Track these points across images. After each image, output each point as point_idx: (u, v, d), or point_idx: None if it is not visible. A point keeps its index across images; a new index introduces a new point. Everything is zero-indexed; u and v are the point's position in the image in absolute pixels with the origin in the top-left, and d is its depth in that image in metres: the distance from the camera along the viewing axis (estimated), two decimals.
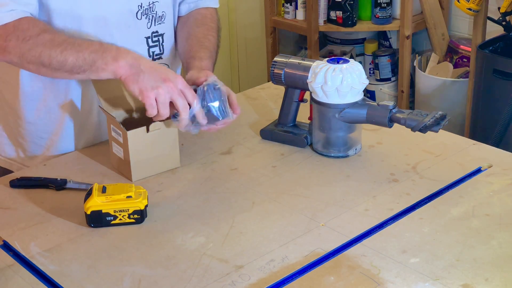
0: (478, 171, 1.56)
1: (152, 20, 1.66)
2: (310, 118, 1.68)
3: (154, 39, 1.68)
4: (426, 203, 1.45)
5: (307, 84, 1.59)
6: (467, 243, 1.31)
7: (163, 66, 1.52)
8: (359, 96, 1.57)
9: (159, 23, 1.68)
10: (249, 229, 1.38)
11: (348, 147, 1.63)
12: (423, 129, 1.49)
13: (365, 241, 1.33)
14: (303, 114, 1.72)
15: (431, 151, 1.64)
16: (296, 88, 1.66)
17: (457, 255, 1.28)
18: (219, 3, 1.83)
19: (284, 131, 1.70)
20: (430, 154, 1.63)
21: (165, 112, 1.45)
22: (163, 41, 1.70)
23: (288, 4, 3.60)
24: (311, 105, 1.65)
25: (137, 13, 1.62)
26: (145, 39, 1.67)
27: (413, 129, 1.51)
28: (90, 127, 1.71)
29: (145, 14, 1.64)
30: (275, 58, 1.68)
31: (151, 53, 1.69)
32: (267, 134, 1.72)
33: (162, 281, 1.24)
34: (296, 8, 3.58)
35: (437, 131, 1.50)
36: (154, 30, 1.67)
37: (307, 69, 1.60)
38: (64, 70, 1.47)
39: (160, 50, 1.70)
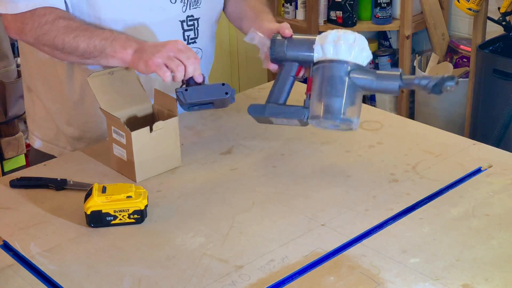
0: (478, 171, 1.56)
1: (187, 4, 1.70)
2: (308, 90, 1.55)
3: (189, 23, 1.72)
4: (426, 203, 1.45)
5: (310, 55, 1.52)
6: (467, 243, 1.31)
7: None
8: (366, 62, 1.52)
9: (194, 7, 1.72)
10: (249, 229, 1.38)
11: (350, 117, 1.50)
12: (438, 85, 1.44)
13: (365, 241, 1.33)
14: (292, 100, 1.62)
15: (431, 151, 1.64)
16: (296, 61, 1.56)
17: (457, 255, 1.28)
18: None
19: (279, 105, 1.56)
20: (430, 154, 1.63)
21: (179, 69, 1.49)
22: (198, 25, 1.74)
23: (288, 4, 3.60)
24: (309, 78, 1.55)
25: None
26: (180, 22, 1.71)
27: (428, 85, 1.45)
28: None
29: None
30: (274, 34, 1.59)
31: (186, 37, 1.73)
32: (257, 109, 1.55)
33: (162, 281, 1.24)
34: (296, 8, 3.58)
35: (451, 88, 1.44)
36: (189, 14, 1.71)
37: (311, 40, 1.54)
38: (76, 55, 1.57)
39: (195, 34, 1.74)
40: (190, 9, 1.71)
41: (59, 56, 1.60)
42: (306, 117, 1.52)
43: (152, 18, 1.65)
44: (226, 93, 1.51)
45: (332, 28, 3.60)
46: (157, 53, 1.49)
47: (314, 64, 1.53)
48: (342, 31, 1.52)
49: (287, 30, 1.56)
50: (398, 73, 1.48)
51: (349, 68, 1.48)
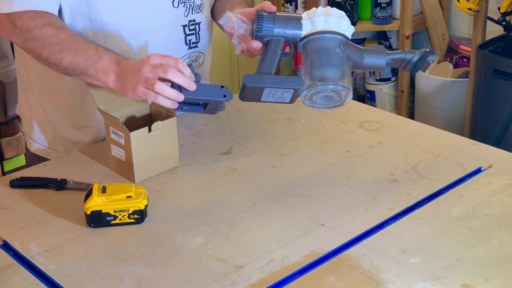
0: (478, 171, 1.56)
1: (189, 9, 1.69)
2: (298, 64, 1.49)
3: (191, 27, 1.71)
4: (426, 203, 1.45)
5: (300, 27, 1.48)
6: (467, 243, 1.31)
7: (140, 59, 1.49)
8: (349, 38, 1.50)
9: (197, 12, 1.71)
10: (249, 229, 1.38)
11: (344, 85, 1.45)
12: (422, 58, 1.46)
13: (365, 241, 1.33)
14: None
15: (431, 151, 1.64)
16: (282, 36, 1.50)
17: (457, 255, 1.28)
18: None
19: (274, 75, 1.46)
20: (430, 154, 1.63)
21: (166, 90, 1.39)
22: (199, 30, 1.73)
23: (288, 4, 3.60)
24: (297, 53, 1.50)
25: (173, 2, 1.65)
26: (182, 27, 1.69)
27: (413, 59, 1.46)
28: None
29: (182, 2, 1.67)
30: (258, 11, 1.52)
31: (187, 41, 1.72)
32: (256, 79, 1.42)
33: (162, 281, 1.24)
34: (296, 8, 3.58)
35: (435, 58, 1.49)
36: (191, 18, 1.70)
37: (298, 17, 1.50)
38: (60, 68, 1.53)
39: (197, 39, 1.73)
40: (192, 13, 1.70)
41: (44, 64, 1.56)
42: (304, 87, 1.42)
43: (154, 23, 1.64)
44: (224, 96, 1.44)
45: None
46: (138, 81, 1.42)
47: (302, 39, 1.49)
48: (328, 7, 1.51)
49: (271, 6, 1.51)
50: (385, 49, 1.48)
51: (341, 40, 1.46)
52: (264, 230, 1.37)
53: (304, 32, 1.48)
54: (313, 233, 1.36)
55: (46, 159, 1.77)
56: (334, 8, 1.51)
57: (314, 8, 1.51)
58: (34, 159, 1.81)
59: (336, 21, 1.47)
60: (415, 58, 1.47)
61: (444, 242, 1.32)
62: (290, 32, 1.49)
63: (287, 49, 1.51)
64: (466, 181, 1.52)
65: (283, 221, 1.40)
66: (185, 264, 1.28)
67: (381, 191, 1.49)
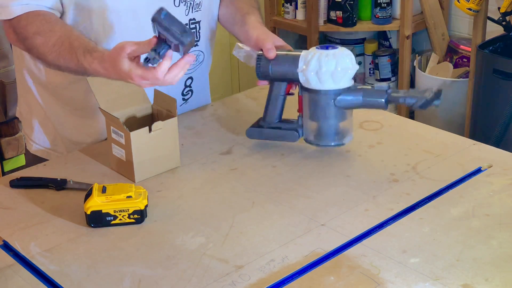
0: (478, 171, 1.56)
1: (190, 7, 1.69)
2: (300, 110, 1.62)
3: (192, 26, 1.72)
4: (426, 203, 1.45)
5: (296, 74, 1.56)
6: (467, 243, 1.31)
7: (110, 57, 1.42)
8: (351, 81, 1.56)
9: (196, 10, 1.71)
10: (249, 229, 1.38)
11: (342, 136, 1.61)
12: (424, 105, 1.49)
13: (365, 241, 1.33)
14: (287, 112, 1.67)
15: (431, 151, 1.64)
16: (283, 80, 1.61)
17: (457, 255, 1.28)
18: None
19: (272, 127, 1.66)
20: (430, 154, 1.63)
21: (142, 83, 1.39)
22: (199, 29, 1.73)
23: (288, 4, 3.60)
24: (299, 97, 1.60)
25: (174, 0, 1.66)
26: None
27: (414, 105, 1.50)
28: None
29: (183, 1, 1.67)
30: (258, 52, 1.62)
31: None
32: (254, 133, 1.68)
33: (162, 281, 1.24)
34: (296, 8, 3.58)
35: (437, 106, 1.50)
36: (191, 17, 1.70)
37: (296, 58, 1.56)
38: (65, 73, 1.53)
39: (197, 37, 1.74)
40: (192, 12, 1.70)
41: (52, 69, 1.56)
42: (299, 138, 1.64)
43: None
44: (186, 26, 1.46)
45: (332, 28, 3.60)
46: (120, 77, 1.40)
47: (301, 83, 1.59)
48: (324, 54, 1.53)
49: (271, 51, 1.58)
50: (385, 89, 1.54)
51: (334, 95, 1.54)
52: (264, 230, 1.37)
53: (301, 80, 1.56)
54: (313, 233, 1.36)
55: (46, 160, 1.77)
56: (330, 55, 1.54)
57: (310, 53, 1.55)
58: (34, 159, 1.80)
59: (328, 77, 1.53)
60: (418, 104, 1.50)
61: (444, 242, 1.32)
62: (288, 71, 1.58)
63: (292, 88, 1.63)
64: (466, 181, 1.52)
65: (283, 221, 1.40)
66: (185, 264, 1.28)
67: (381, 191, 1.49)
